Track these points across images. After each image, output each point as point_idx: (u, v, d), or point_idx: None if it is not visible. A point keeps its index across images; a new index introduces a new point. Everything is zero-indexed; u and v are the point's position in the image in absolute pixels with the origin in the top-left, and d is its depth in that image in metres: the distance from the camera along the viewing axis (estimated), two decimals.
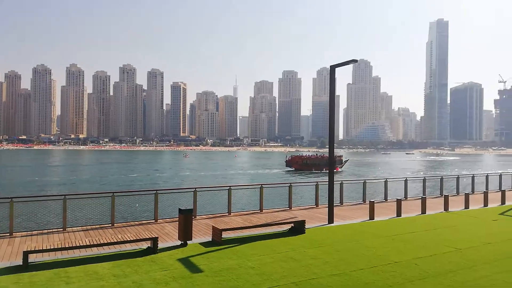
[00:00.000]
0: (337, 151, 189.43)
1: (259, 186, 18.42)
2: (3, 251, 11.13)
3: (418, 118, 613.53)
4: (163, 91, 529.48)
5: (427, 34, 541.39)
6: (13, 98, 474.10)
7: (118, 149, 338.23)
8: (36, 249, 9.92)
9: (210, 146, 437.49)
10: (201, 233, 13.65)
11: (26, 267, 9.58)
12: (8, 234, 12.90)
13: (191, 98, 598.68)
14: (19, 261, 10.01)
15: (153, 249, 11.12)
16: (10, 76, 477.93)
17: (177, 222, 14.47)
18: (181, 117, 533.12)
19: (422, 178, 25.10)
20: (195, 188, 16.57)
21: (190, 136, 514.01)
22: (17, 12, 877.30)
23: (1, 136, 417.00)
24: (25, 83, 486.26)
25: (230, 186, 17.61)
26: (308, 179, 65.20)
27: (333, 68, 16.14)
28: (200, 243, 12.19)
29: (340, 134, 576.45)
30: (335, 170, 23.45)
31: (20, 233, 13.32)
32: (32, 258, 10.14)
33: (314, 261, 10.38)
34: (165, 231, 13.84)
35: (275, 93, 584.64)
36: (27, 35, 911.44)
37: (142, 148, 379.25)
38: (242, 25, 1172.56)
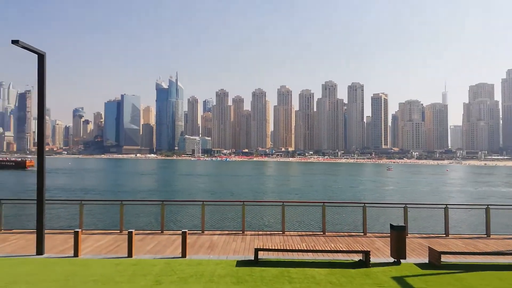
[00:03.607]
0: None
1: (485, 206, 15.79)
2: (239, 246, 13.39)
3: None
4: (363, 104, 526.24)
5: None
6: (239, 118, 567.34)
7: (321, 161, 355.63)
8: (264, 247, 11.52)
9: (416, 159, 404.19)
10: (414, 253, 12.75)
11: (256, 262, 11.23)
12: (241, 232, 15.45)
13: (392, 109, 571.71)
14: (251, 256, 11.84)
15: (365, 263, 11.12)
16: (236, 100, 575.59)
17: (388, 238, 14.01)
18: (382, 129, 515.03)
19: None
20: (405, 204, 15.65)
21: (393, 148, 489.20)
22: (233, 49, 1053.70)
23: (230, 150, 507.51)
24: (247, 105, 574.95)
25: (446, 205, 15.81)
26: None
27: None
28: (415, 264, 11.39)
29: None
30: None
31: (250, 232, 15.75)
32: (260, 255, 11.80)
33: None
34: (375, 246, 13.61)
35: (497, 96, 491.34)
36: (247, 65, 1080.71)
37: (343, 160, 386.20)
38: (445, 25, 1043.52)
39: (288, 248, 11.58)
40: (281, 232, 15.41)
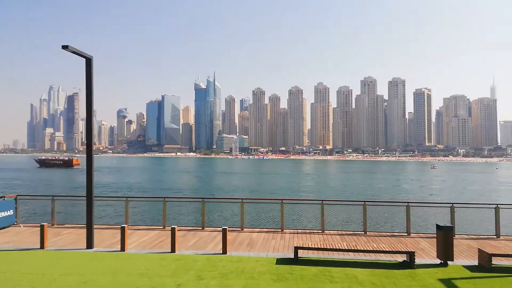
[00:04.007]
0: None
1: None
2: (278, 244, 13.41)
3: None
4: (404, 100, 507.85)
5: None
6: (275, 116, 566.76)
7: (360, 159, 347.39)
8: (303, 246, 11.46)
9: (462, 156, 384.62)
10: (463, 255, 12.17)
11: (296, 260, 11.19)
12: (280, 230, 15.45)
13: (436, 105, 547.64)
14: (290, 254, 11.82)
15: (409, 264, 10.76)
16: (272, 99, 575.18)
17: (433, 239, 13.48)
18: (426, 125, 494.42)
19: None
20: (452, 203, 14.95)
21: (437, 145, 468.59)
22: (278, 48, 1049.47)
23: (267, 148, 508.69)
24: (283, 103, 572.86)
25: (497, 205, 14.93)
26: None
27: None
28: (464, 266, 10.86)
29: None
30: None
31: (289, 230, 15.72)
32: (300, 253, 11.75)
33: None
34: (420, 247, 13.13)
35: None
36: (284, 63, 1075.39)
37: (384, 158, 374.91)
38: (493, 16, 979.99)
39: (328, 247, 11.45)
40: (320, 231, 15.24)
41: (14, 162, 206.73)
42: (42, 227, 12.83)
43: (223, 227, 12.32)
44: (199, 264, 10.76)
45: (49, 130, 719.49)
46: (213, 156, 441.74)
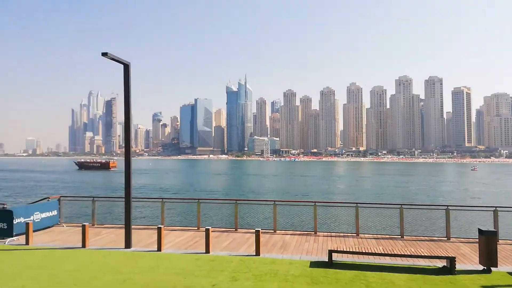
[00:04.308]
0: None
1: None
2: (311, 247, 13.29)
3: None
4: (442, 99, 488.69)
5: None
6: (306, 117, 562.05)
7: (396, 161, 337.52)
8: (338, 249, 11.29)
9: (505, 158, 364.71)
10: (507, 261, 11.56)
11: (330, 264, 11.05)
12: (314, 232, 15.30)
13: (476, 103, 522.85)
14: (324, 258, 11.68)
15: (449, 269, 10.34)
16: (304, 100, 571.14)
17: (475, 244, 12.92)
18: (465, 125, 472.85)
19: None
20: (495, 207, 14.23)
21: (478, 146, 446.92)
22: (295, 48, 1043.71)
23: (298, 150, 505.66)
24: (315, 105, 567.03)
25: None
26: None
27: None
28: (508, 273, 10.31)
29: None
30: None
31: (322, 233, 15.54)
32: (334, 256, 11.59)
33: None
34: (460, 252, 12.58)
35: None
36: (315, 64, 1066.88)
37: (421, 160, 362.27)
38: None
39: (363, 251, 11.21)
40: (355, 235, 14.96)
41: (56, 165, 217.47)
42: (83, 227, 13.43)
43: (256, 229, 12.37)
44: (233, 265, 10.86)
45: (89, 134, 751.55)
46: (244, 158, 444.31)
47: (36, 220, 15.62)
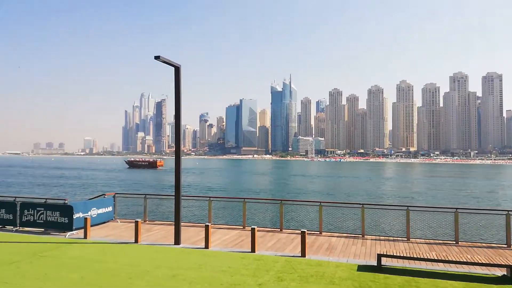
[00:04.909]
0: None
1: None
2: (359, 250, 12.97)
3: None
4: (502, 96, 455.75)
5: None
6: (353, 117, 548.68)
7: (449, 163, 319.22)
8: (387, 253, 10.91)
9: None
10: None
11: (379, 268, 10.70)
12: (361, 235, 14.92)
13: None
14: (373, 262, 11.34)
15: (510, 279, 9.64)
16: (350, 99, 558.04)
17: None
18: None
19: None
20: None
21: None
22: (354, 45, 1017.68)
23: (344, 150, 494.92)
24: (362, 103, 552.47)
25: None
26: None
27: None
28: None
29: None
30: None
31: (370, 236, 15.11)
32: (383, 261, 11.22)
33: None
34: None
35: None
36: (361, 62, 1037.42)
37: (477, 161, 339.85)
38: None
39: (415, 256, 10.75)
40: (405, 239, 14.38)
41: (110, 163, 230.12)
42: (136, 223, 14.10)
43: (301, 230, 12.29)
44: (279, 266, 10.88)
45: (140, 134, 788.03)
46: (289, 158, 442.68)
47: (93, 216, 16.64)
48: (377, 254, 10.93)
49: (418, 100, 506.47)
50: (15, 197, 17.94)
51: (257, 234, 12.88)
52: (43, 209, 15.98)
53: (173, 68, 13.85)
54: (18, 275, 10.09)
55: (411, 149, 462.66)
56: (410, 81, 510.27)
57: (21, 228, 16.24)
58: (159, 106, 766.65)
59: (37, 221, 15.98)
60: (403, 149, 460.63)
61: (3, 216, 16.58)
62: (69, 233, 15.38)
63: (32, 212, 16.07)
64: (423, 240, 14.39)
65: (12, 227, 16.43)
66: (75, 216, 15.62)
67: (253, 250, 12.48)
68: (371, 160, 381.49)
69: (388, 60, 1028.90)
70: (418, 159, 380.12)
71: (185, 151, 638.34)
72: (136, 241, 13.95)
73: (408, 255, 10.80)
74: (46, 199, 17.83)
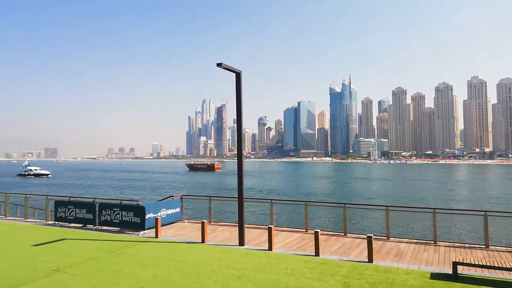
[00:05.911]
0: None
1: None
2: (431, 257, 12.21)
3: None
4: None
5: None
6: (419, 116, 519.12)
7: None
8: (464, 261, 10.15)
9: None
10: None
11: (455, 277, 9.98)
12: (433, 241, 14.03)
13: None
14: (448, 270, 10.61)
15: None
16: (415, 98, 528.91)
17: None
18: None
19: None
20: None
21: None
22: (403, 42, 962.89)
23: (410, 152, 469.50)
24: (429, 102, 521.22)
25: None
26: None
27: None
28: None
29: None
30: None
31: (443, 242, 14.15)
32: (459, 269, 10.45)
33: None
34: None
35: None
36: (427, 58, 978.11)
37: None
38: None
39: (495, 265, 9.87)
40: (483, 246, 13.26)
41: (175, 167, 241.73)
42: (203, 224, 14.63)
43: (368, 235, 11.88)
44: (344, 271, 10.61)
45: (203, 138, 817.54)
46: (350, 160, 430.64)
47: (163, 216, 17.57)
48: (453, 261, 10.21)
49: (492, 97, 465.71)
50: (94, 199, 19.56)
51: (320, 237, 12.69)
52: (118, 209, 17.23)
53: (234, 74, 14.19)
54: (98, 270, 10.98)
55: (486, 150, 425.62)
56: (482, 76, 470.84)
57: (99, 227, 17.66)
58: (219, 111, 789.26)
59: (114, 220, 17.27)
60: (477, 150, 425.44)
61: (84, 215, 18.17)
62: (142, 232, 16.39)
63: (109, 212, 17.40)
64: (505, 248, 13.16)
65: (92, 225, 17.92)
66: (147, 216, 16.61)
67: (317, 254, 12.32)
68: (441, 161, 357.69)
69: (457, 57, 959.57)
70: (494, 160, 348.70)
71: (245, 154, 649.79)
72: (203, 241, 14.46)
73: (488, 264, 9.96)
74: (121, 200, 19.20)
